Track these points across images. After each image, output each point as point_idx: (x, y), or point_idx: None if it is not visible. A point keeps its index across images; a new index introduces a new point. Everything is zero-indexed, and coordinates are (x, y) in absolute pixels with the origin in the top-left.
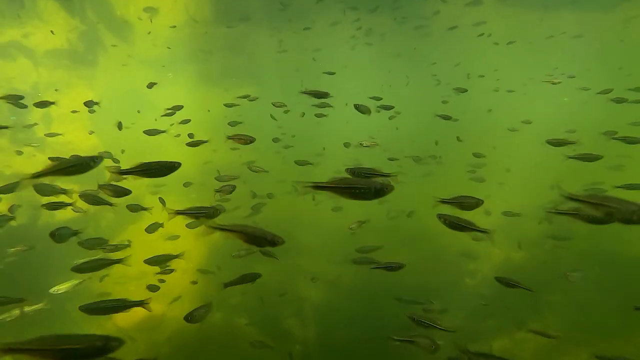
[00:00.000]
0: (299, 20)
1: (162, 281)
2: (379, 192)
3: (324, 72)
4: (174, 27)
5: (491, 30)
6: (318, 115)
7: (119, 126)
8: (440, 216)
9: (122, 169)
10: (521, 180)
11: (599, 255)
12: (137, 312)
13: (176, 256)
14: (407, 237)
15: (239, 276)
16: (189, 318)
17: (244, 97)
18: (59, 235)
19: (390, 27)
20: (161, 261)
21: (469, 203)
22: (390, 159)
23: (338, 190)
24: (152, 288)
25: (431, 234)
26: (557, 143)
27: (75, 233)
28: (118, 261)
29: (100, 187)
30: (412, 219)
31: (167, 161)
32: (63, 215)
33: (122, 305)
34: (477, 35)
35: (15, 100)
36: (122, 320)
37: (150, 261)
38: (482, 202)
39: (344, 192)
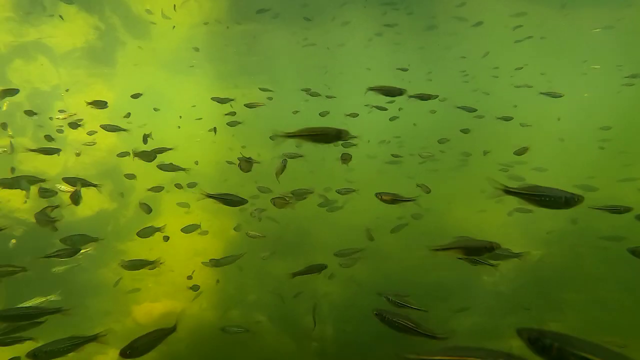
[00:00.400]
0: (320, 16)
1: (189, 277)
2: (569, 201)
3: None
4: (207, 23)
5: (518, 25)
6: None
7: (144, 139)
8: (377, 194)
9: (289, 132)
10: (543, 177)
11: (624, 254)
12: (156, 309)
13: (153, 262)
14: (423, 234)
15: (306, 267)
16: (127, 352)
17: (305, 90)
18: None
19: (408, 22)
20: (138, 266)
21: None
22: (394, 156)
23: (528, 197)
24: (194, 288)
25: (448, 231)
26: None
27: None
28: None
29: (208, 196)
30: (428, 216)
31: (333, 128)
32: (84, 213)
33: (39, 313)
34: (503, 30)
35: (101, 106)
36: (142, 316)
37: (127, 265)
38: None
39: (534, 200)
